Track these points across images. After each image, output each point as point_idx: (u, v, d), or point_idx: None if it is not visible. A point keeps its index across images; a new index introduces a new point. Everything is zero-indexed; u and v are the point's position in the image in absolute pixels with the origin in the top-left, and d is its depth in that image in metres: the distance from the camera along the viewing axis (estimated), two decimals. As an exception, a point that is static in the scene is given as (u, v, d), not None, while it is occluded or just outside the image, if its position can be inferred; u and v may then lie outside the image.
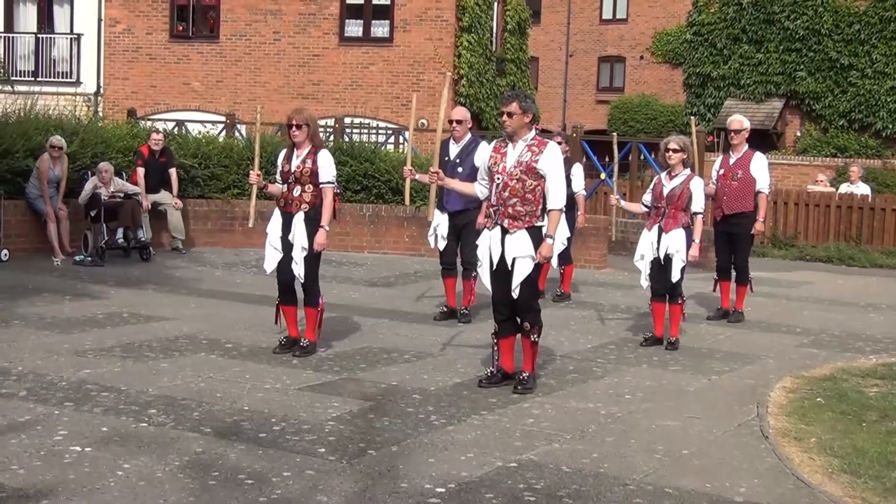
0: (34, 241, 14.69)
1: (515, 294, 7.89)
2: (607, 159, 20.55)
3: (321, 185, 8.89)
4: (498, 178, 7.90)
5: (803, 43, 31.95)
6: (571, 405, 7.69)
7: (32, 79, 28.65)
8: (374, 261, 15.85)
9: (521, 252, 7.82)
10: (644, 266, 10.25)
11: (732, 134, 11.71)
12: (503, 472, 6.04)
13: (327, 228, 8.95)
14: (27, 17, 30.23)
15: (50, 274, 13.27)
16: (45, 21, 30.12)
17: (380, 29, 27.94)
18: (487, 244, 8.01)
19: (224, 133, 21.43)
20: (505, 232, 7.88)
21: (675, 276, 10.04)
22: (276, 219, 9.04)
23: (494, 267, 7.96)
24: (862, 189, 20.58)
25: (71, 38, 29.66)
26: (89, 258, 14.27)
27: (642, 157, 20.66)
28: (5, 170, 14.60)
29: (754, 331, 11.23)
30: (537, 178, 7.82)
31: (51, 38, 29.89)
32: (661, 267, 10.09)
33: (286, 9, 27.99)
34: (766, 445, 6.82)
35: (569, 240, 12.48)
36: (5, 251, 13.95)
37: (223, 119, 23.57)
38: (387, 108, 27.53)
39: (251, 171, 9.14)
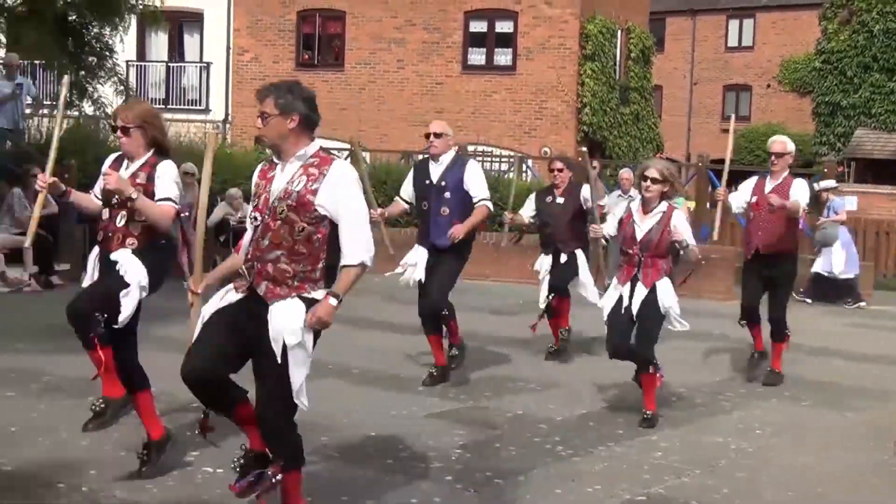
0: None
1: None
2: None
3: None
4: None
5: (937, 71, 31.15)
6: (700, 439, 7.56)
7: (163, 106, 29.36)
8: (497, 289, 15.80)
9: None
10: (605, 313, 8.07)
11: (773, 158, 9.61)
12: (632, 505, 5.96)
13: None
14: (158, 46, 31.09)
15: (181, 297, 13.49)
16: (176, 50, 30.97)
17: (503, 57, 28.07)
18: None
19: (349, 160, 21.69)
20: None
21: (679, 326, 8.03)
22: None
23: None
24: None
25: (200, 67, 30.44)
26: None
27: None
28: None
29: (893, 367, 10.89)
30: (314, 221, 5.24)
31: (181, 66, 30.71)
32: (631, 323, 7.86)
33: (410, 37, 28.29)
34: (905, 486, 6.62)
35: None
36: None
37: (347, 146, 23.86)
38: (510, 136, 27.57)
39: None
